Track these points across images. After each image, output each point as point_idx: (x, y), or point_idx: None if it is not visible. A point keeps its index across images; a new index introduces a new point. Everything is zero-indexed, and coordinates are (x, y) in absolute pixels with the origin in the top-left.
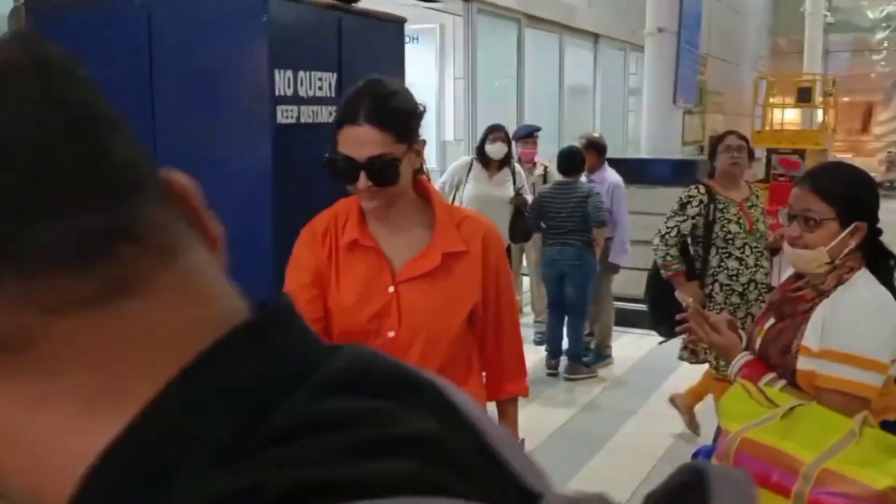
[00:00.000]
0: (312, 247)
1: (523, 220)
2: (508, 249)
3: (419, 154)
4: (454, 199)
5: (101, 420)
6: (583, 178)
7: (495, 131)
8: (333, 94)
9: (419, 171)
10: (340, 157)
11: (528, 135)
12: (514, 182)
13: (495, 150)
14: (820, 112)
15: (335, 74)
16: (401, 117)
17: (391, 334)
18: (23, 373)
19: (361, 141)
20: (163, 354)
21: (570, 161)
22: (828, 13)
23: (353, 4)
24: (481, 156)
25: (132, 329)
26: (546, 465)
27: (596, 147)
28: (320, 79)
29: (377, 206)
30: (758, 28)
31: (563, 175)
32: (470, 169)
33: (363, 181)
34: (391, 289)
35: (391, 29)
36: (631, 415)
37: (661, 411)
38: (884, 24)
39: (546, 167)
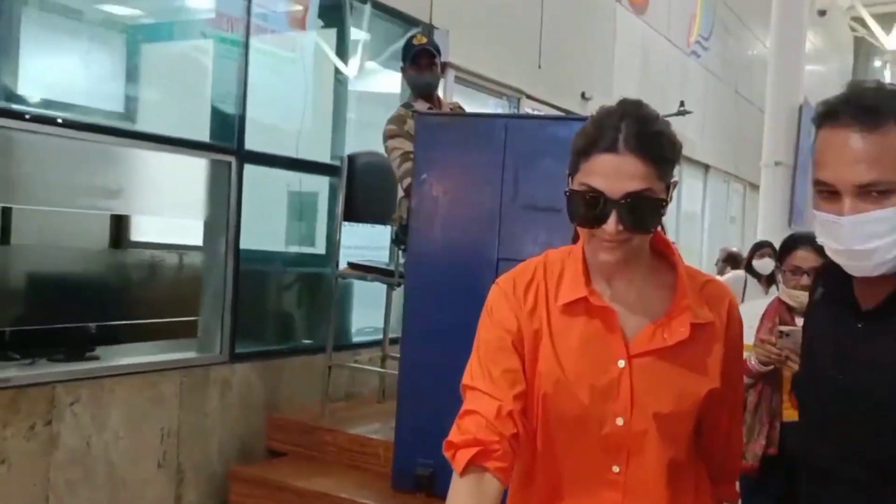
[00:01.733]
0: (513, 302)
1: None
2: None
3: (671, 197)
4: None
5: None
6: None
7: (762, 247)
8: None
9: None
10: (588, 190)
11: None
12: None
13: (763, 265)
14: None
15: None
16: (666, 149)
17: (620, 422)
18: None
19: (619, 173)
20: None
21: None
22: None
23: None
24: (750, 271)
25: None
26: None
27: (733, 260)
28: None
29: (621, 259)
30: None
31: None
32: (745, 285)
33: (613, 224)
34: (622, 363)
35: None
36: None
37: None
38: None
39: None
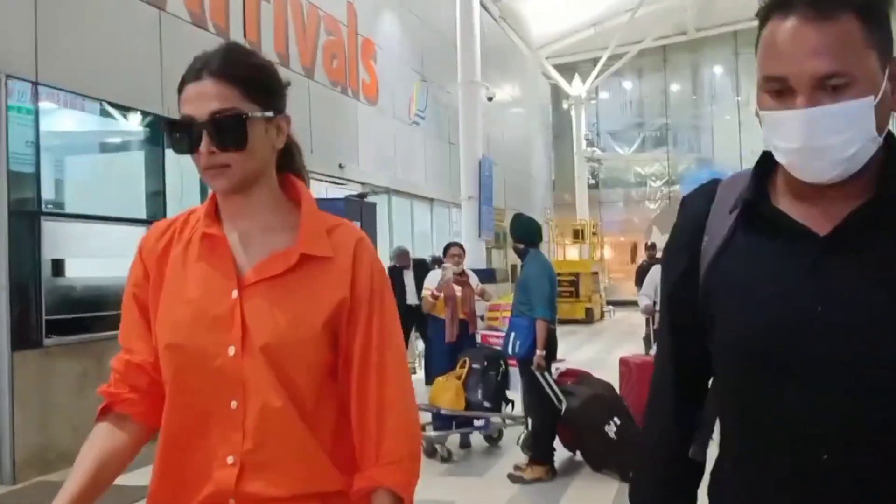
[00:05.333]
0: (144, 253)
1: None
2: None
3: (282, 130)
4: None
5: None
6: None
7: None
8: None
9: (291, 164)
10: (181, 118)
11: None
12: None
13: None
14: (588, 247)
15: None
16: (251, 72)
17: (232, 351)
18: None
19: (203, 97)
20: None
21: None
22: (591, 176)
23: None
24: None
25: None
26: None
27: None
28: None
29: (229, 185)
30: (544, 186)
31: None
32: None
33: (205, 145)
34: (235, 293)
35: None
36: None
37: None
38: (653, 178)
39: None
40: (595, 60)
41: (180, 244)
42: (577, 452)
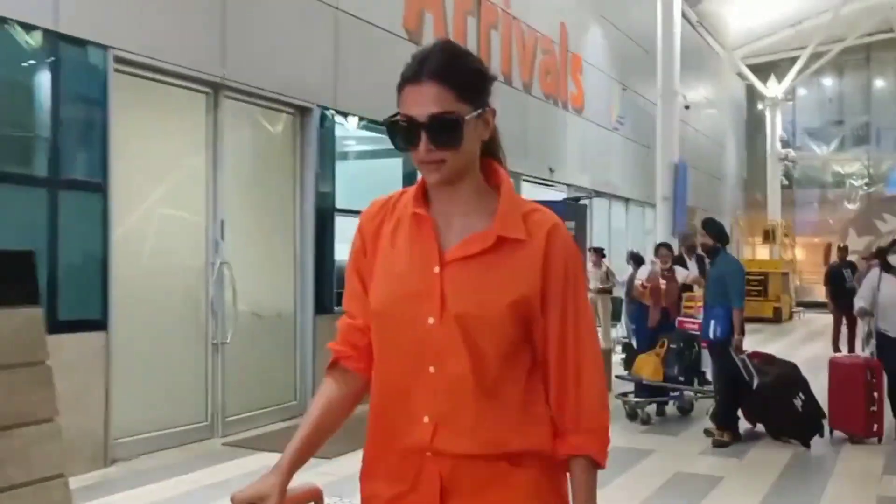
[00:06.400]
0: (364, 226)
1: None
2: None
3: (488, 124)
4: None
5: None
6: None
7: None
8: None
9: (493, 150)
10: (401, 118)
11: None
12: None
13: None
14: (778, 247)
15: None
16: (466, 74)
17: (431, 321)
18: None
19: (423, 99)
20: None
21: None
22: (785, 176)
23: None
24: (885, 265)
25: None
26: None
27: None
28: None
29: (441, 178)
30: (734, 185)
31: None
32: (880, 277)
33: (424, 143)
34: (436, 269)
35: None
36: None
37: None
38: (853, 177)
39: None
40: (793, 59)
41: (391, 221)
42: (757, 425)
